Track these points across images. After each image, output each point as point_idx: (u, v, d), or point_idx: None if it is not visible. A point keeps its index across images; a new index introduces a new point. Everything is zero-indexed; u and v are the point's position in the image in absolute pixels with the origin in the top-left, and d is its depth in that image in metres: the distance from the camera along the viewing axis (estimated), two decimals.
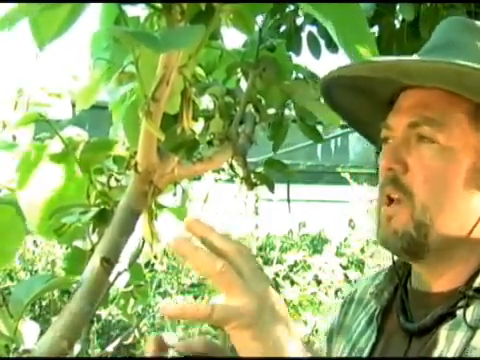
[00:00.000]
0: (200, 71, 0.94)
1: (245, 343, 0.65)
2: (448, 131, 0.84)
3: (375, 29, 2.88)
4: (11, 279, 4.42)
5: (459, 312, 0.81)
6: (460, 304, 0.81)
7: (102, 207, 0.91)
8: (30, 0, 0.64)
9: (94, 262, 0.77)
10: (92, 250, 0.84)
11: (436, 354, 0.80)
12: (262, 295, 0.66)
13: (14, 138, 1.16)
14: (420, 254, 0.85)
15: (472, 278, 0.84)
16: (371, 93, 0.92)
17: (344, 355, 0.96)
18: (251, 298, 0.64)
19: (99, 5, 0.85)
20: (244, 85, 0.95)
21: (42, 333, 0.75)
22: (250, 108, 0.93)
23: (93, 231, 0.91)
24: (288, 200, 1.41)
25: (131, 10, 0.77)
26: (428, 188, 0.84)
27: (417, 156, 0.85)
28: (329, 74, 0.87)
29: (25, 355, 0.72)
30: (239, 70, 0.95)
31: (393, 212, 0.85)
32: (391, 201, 0.86)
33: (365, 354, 0.91)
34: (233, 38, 0.99)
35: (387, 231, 0.86)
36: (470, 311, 0.80)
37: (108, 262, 0.77)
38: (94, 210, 0.90)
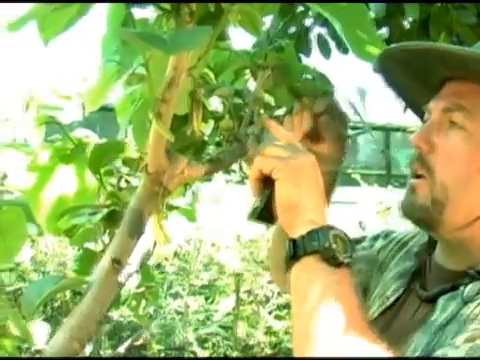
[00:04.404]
0: (209, 72, 0.94)
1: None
2: (477, 120, 0.89)
3: (385, 30, 2.87)
4: (23, 280, 4.44)
5: (461, 288, 0.87)
6: (463, 282, 0.87)
7: (112, 208, 0.91)
8: (37, 0, 0.64)
9: (104, 263, 0.77)
10: (103, 251, 0.84)
11: (431, 319, 0.87)
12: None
13: (25, 140, 1.17)
14: (434, 227, 0.93)
15: None
16: (424, 78, 0.98)
17: (375, 301, 1.03)
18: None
19: (107, 6, 0.85)
20: (253, 86, 0.95)
21: (53, 334, 0.75)
22: (259, 109, 0.94)
23: (104, 232, 0.92)
24: None
25: (139, 12, 0.78)
26: (450, 170, 0.90)
27: (445, 139, 0.91)
28: (383, 51, 0.91)
29: (37, 355, 0.73)
30: (248, 71, 0.95)
31: (417, 185, 0.93)
32: (417, 176, 0.93)
33: (389, 303, 1.00)
34: (241, 39, 0.99)
35: (409, 201, 0.94)
36: (468, 288, 0.86)
37: (118, 263, 0.77)
38: (104, 211, 0.91)
